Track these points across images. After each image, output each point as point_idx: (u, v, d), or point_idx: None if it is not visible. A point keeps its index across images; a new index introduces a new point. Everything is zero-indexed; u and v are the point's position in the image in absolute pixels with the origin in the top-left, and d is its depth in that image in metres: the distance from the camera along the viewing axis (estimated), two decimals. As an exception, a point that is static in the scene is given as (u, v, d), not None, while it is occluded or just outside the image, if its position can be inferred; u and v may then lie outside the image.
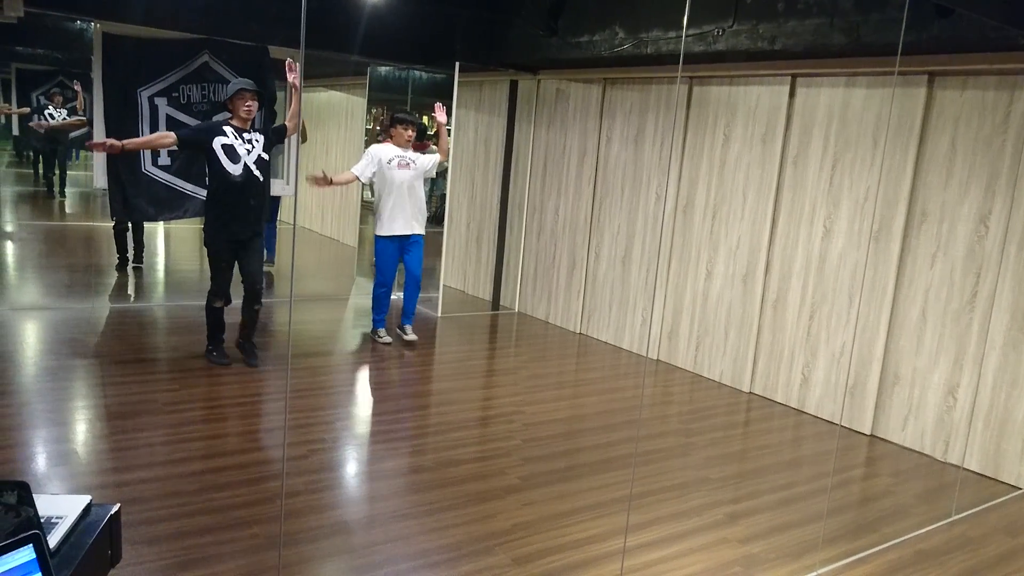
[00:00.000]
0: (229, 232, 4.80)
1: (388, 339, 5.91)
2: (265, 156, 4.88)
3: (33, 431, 3.82)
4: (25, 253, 8.22)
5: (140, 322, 6.02)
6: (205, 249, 5.00)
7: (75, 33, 8.66)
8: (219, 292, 4.92)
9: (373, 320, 5.99)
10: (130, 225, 7.64)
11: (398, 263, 5.89)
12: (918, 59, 4.36)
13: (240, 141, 4.79)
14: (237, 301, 5.01)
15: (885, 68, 4.57)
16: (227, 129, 4.78)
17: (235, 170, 4.74)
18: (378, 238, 5.80)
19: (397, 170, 5.66)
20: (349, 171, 5.77)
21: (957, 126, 4.37)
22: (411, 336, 5.92)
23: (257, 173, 4.82)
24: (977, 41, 3.85)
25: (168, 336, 5.71)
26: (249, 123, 4.87)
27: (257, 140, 4.87)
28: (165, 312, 6.40)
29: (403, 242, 5.80)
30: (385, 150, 5.70)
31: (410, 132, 5.70)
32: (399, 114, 5.82)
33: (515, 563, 3.00)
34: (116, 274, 7.49)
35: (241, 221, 4.81)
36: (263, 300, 5.09)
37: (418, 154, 5.81)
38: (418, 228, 5.83)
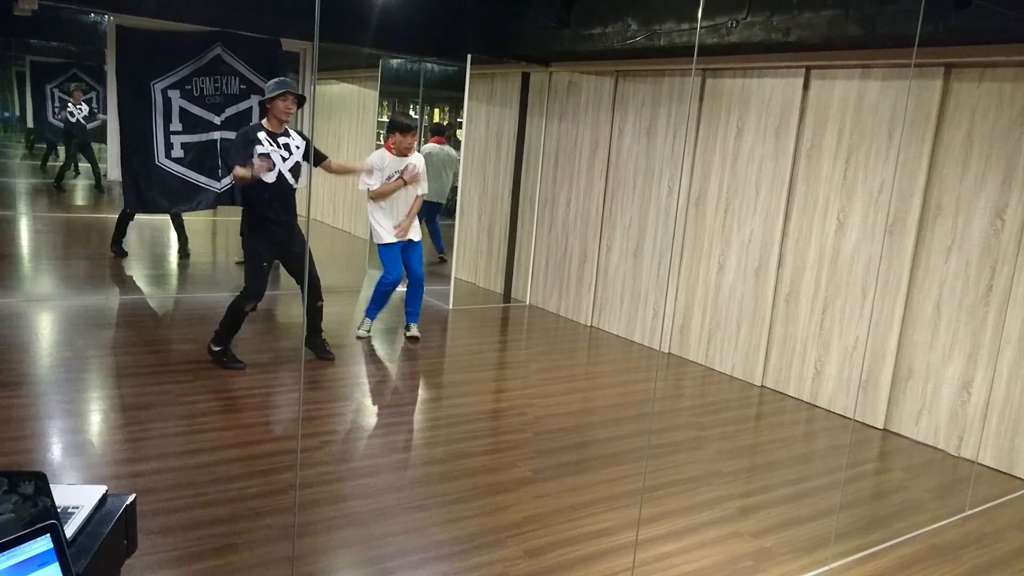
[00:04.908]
0: (267, 235, 4.71)
1: (366, 334, 5.78)
2: (302, 163, 4.78)
3: (49, 422, 3.85)
4: (39, 244, 8.29)
5: (153, 314, 6.06)
6: (242, 251, 4.91)
7: (89, 26, 8.70)
8: (255, 294, 4.76)
9: (366, 311, 5.82)
10: (170, 219, 7.91)
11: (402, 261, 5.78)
12: (935, 51, 4.31)
13: (275, 147, 4.61)
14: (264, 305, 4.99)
15: (901, 60, 4.53)
16: (261, 136, 4.59)
17: (270, 178, 4.60)
18: (380, 244, 5.65)
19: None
20: (363, 171, 5.46)
21: (973, 119, 4.33)
22: (415, 332, 5.83)
23: (291, 180, 4.71)
24: (995, 32, 3.81)
25: (182, 328, 5.75)
26: (283, 126, 4.69)
27: (298, 146, 4.72)
28: (177, 303, 6.43)
29: (404, 244, 5.70)
30: (385, 162, 5.44)
31: (410, 139, 5.41)
32: (398, 118, 5.46)
33: (527, 555, 3.01)
34: (111, 254, 7.71)
35: (277, 224, 4.72)
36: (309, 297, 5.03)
37: (413, 162, 5.50)
38: (415, 236, 5.70)
